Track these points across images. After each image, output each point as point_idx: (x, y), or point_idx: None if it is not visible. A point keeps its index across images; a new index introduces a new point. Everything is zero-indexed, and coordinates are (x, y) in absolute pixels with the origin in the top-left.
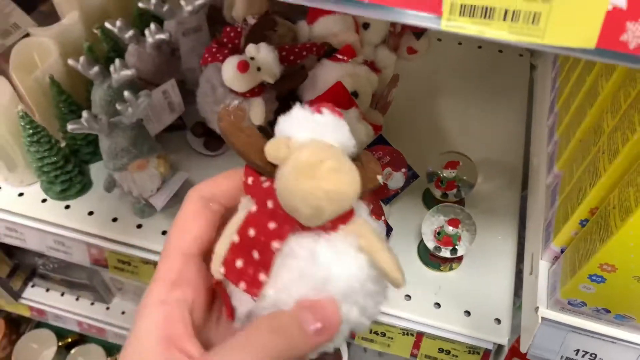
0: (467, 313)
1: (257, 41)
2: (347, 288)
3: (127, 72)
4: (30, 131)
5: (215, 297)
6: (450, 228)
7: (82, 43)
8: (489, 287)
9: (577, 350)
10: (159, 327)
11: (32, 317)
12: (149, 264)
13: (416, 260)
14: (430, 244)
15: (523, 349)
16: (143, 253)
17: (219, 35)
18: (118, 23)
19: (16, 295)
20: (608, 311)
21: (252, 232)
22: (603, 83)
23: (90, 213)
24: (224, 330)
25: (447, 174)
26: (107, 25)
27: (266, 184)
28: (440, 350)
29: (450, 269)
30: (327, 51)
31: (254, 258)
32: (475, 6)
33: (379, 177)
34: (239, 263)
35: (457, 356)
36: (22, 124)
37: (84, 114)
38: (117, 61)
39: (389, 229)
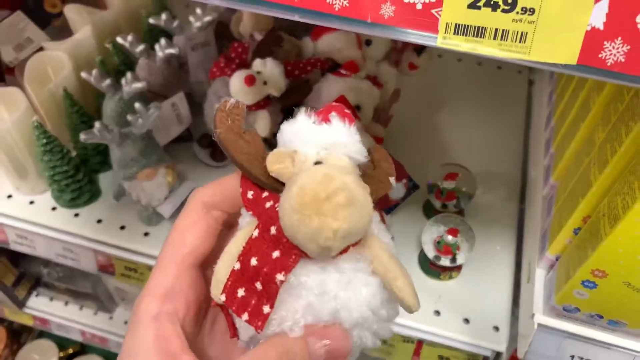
0: (466, 321)
1: (264, 56)
2: (359, 318)
3: (138, 85)
4: (44, 141)
5: (209, 303)
6: (450, 237)
7: (94, 57)
8: (488, 296)
9: (573, 356)
10: (154, 345)
11: (35, 326)
12: None
13: (416, 269)
14: (430, 253)
15: (520, 355)
16: (150, 260)
17: (226, 50)
18: (129, 38)
19: (20, 304)
20: (601, 317)
21: (254, 262)
22: (595, 98)
23: (99, 221)
24: (220, 336)
25: (447, 185)
26: (119, 40)
27: (268, 204)
28: (440, 358)
29: (450, 277)
30: (331, 66)
31: (257, 289)
32: (468, 26)
33: (392, 180)
34: (241, 292)
35: None
36: (37, 133)
37: (97, 124)
38: (128, 74)
39: None
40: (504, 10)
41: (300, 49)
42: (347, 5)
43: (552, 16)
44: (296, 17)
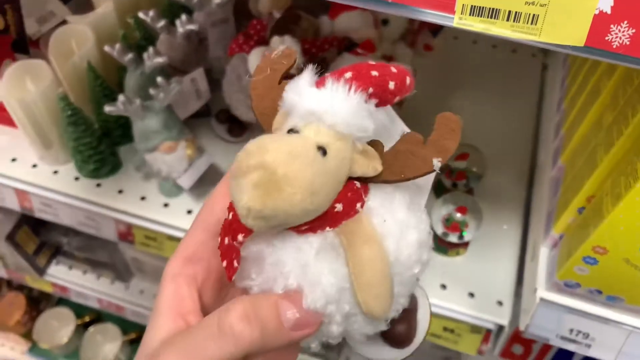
0: (471, 295)
1: (282, 34)
2: (334, 293)
3: (160, 60)
4: (69, 112)
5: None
6: (458, 215)
7: (116, 31)
8: (493, 273)
9: (572, 330)
10: (167, 303)
11: (55, 293)
12: (173, 241)
13: None
14: (439, 230)
15: (522, 328)
16: (169, 230)
17: (245, 28)
18: (151, 13)
19: (41, 272)
20: (600, 292)
21: (230, 216)
22: (605, 82)
23: (120, 191)
24: None
25: (458, 164)
26: (141, 15)
27: None
28: (445, 329)
29: (457, 254)
30: (348, 45)
31: (231, 242)
32: (483, 7)
33: (436, 162)
34: (227, 240)
35: (460, 335)
36: (62, 105)
37: (120, 97)
38: (150, 49)
39: None
40: None
41: (318, 27)
42: None
43: (563, 0)
44: None
